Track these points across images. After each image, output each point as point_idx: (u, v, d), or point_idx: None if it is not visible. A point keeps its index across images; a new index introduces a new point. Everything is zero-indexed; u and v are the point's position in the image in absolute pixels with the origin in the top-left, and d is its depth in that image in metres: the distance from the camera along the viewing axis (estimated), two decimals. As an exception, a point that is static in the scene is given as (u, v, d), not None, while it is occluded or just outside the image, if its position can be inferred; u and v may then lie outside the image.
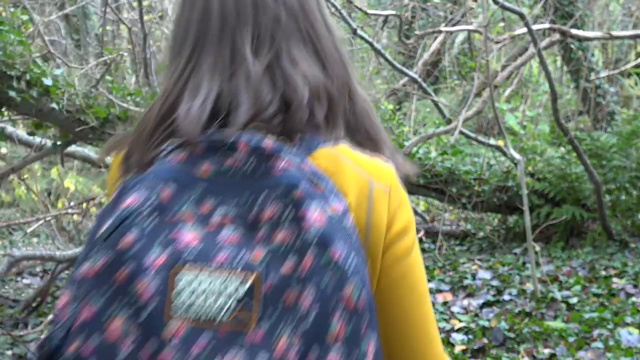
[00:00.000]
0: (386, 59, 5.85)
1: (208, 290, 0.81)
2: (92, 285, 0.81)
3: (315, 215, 0.83)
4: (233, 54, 0.93)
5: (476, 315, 4.39)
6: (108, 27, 10.21)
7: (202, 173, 0.86)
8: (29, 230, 6.18)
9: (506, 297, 4.56)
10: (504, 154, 5.56)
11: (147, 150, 0.90)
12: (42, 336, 0.88)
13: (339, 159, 0.92)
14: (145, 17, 6.76)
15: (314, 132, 0.92)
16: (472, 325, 4.13)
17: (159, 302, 0.80)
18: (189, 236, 0.83)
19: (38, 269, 5.61)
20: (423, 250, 5.76)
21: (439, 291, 4.79)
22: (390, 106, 5.81)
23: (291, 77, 0.93)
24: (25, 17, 4.94)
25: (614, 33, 6.23)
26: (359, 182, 0.92)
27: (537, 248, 4.65)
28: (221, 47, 0.94)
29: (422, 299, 0.96)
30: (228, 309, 0.81)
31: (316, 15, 1.00)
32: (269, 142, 0.87)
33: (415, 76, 5.95)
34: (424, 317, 0.96)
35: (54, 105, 4.18)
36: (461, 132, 5.43)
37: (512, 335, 3.96)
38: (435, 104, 6.22)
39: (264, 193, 0.85)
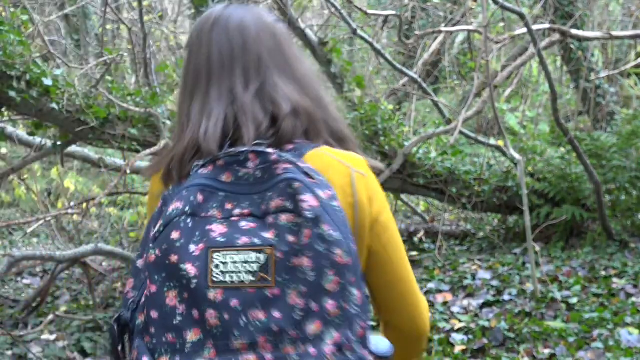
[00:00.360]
0: (386, 59, 5.86)
1: (237, 263, 1.13)
2: (152, 269, 1.15)
3: (311, 200, 1.14)
4: (230, 88, 1.28)
5: (476, 315, 4.38)
6: (108, 27, 10.20)
7: (224, 180, 1.19)
8: (29, 231, 6.17)
9: (506, 297, 4.56)
10: (504, 154, 5.56)
11: (183, 168, 1.24)
12: (114, 315, 1.23)
13: (325, 157, 1.25)
14: (145, 18, 6.76)
15: (303, 140, 1.26)
16: (472, 326, 4.13)
17: (202, 276, 1.12)
18: (219, 228, 1.15)
19: (38, 269, 5.61)
20: (423, 251, 5.75)
21: (439, 291, 4.79)
22: (390, 106, 5.81)
23: (275, 98, 1.27)
24: (25, 17, 4.94)
25: (614, 33, 6.23)
26: (342, 170, 1.25)
27: (537, 248, 4.65)
28: (221, 83, 1.29)
29: (404, 257, 1.32)
30: (252, 273, 1.13)
31: (289, 51, 1.34)
32: (271, 152, 1.18)
33: (415, 76, 5.95)
34: (407, 269, 1.32)
35: (54, 105, 4.18)
36: (461, 132, 5.43)
37: (512, 335, 3.96)
38: (435, 104, 6.22)
39: (271, 190, 1.16)
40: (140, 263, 1.19)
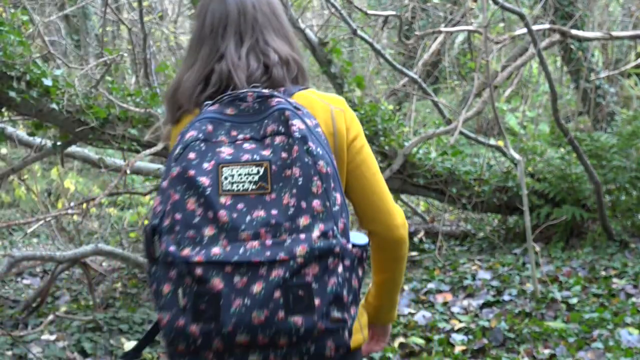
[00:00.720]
0: (386, 60, 5.86)
1: (242, 175, 1.46)
2: (175, 183, 1.47)
3: (298, 124, 1.48)
4: (217, 47, 1.65)
5: (476, 315, 4.38)
6: (108, 28, 10.20)
7: (229, 113, 1.54)
8: (29, 231, 6.17)
9: (506, 297, 4.56)
10: (504, 154, 5.56)
11: (196, 106, 1.61)
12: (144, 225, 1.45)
13: (309, 97, 1.62)
14: (145, 18, 6.76)
15: (292, 84, 1.64)
16: (472, 326, 4.13)
17: (213, 187, 1.45)
18: (227, 149, 1.49)
19: (38, 269, 5.61)
20: (423, 251, 5.75)
21: (439, 291, 4.79)
22: (390, 106, 5.81)
23: (266, 51, 1.64)
24: (25, 18, 4.94)
25: (614, 33, 6.23)
26: (324, 107, 1.62)
27: (537, 248, 4.65)
28: (211, 44, 1.66)
29: (377, 172, 1.66)
30: (254, 182, 1.45)
31: (282, 16, 1.72)
32: (265, 91, 1.53)
33: (415, 76, 5.95)
34: (380, 184, 1.65)
35: (54, 105, 4.18)
36: (461, 133, 5.43)
37: (512, 335, 3.96)
38: (435, 104, 6.22)
39: (267, 118, 1.51)
40: (163, 184, 1.50)
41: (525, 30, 5.17)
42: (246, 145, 1.50)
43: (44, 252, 4.51)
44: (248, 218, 1.44)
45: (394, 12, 5.99)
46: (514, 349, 3.87)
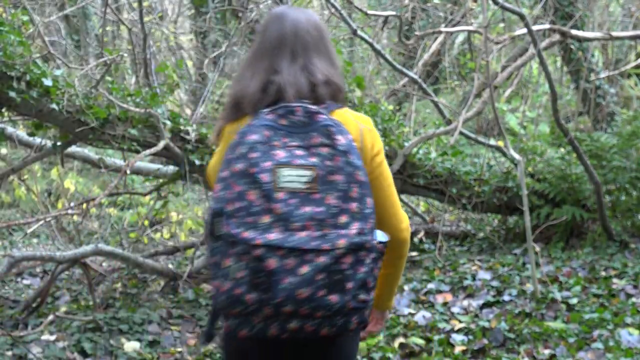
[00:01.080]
0: (386, 60, 5.85)
1: (294, 175, 1.78)
2: (238, 176, 1.78)
3: (341, 139, 1.82)
4: (274, 63, 1.95)
5: (476, 315, 4.38)
6: (108, 28, 10.20)
7: (282, 123, 1.84)
8: (29, 231, 6.17)
9: (506, 297, 4.55)
10: (504, 154, 5.55)
11: (254, 109, 1.89)
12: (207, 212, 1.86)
13: (344, 115, 1.95)
14: (145, 18, 6.76)
15: (331, 101, 1.93)
16: (472, 326, 4.13)
17: (271, 183, 1.77)
18: (281, 153, 1.80)
19: (38, 269, 5.60)
20: (423, 251, 5.75)
21: (439, 292, 4.79)
22: (390, 107, 5.81)
23: (314, 72, 1.93)
24: (25, 18, 4.94)
25: (614, 34, 6.23)
26: (355, 125, 1.95)
27: (537, 248, 4.65)
28: (273, 58, 1.95)
29: (391, 184, 2.00)
30: (303, 183, 1.78)
31: (327, 40, 2.02)
32: (312, 107, 1.85)
33: (415, 77, 5.95)
34: (393, 193, 2.00)
35: (54, 105, 4.18)
36: (461, 133, 5.42)
37: (512, 335, 3.95)
38: (435, 104, 6.22)
39: (314, 131, 1.83)
40: (224, 174, 1.82)
41: (525, 30, 5.17)
42: (296, 152, 1.82)
43: (44, 252, 4.51)
44: (298, 212, 1.78)
45: (394, 12, 5.99)
46: (514, 349, 3.87)
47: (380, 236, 1.88)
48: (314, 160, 1.81)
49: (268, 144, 1.82)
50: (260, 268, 1.75)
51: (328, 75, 1.95)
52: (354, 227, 1.79)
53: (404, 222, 2.03)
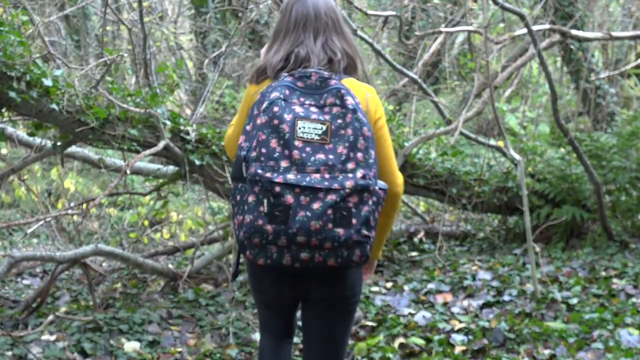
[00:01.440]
0: (386, 60, 5.85)
1: (310, 128, 2.13)
2: (262, 126, 2.13)
3: (350, 100, 2.17)
4: (301, 39, 2.33)
5: (476, 315, 4.38)
6: (108, 28, 10.20)
7: (299, 85, 2.21)
8: (29, 231, 6.14)
9: (506, 297, 4.55)
10: (504, 154, 5.55)
11: (276, 75, 2.28)
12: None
13: (353, 83, 2.31)
14: (145, 18, 6.75)
15: (344, 72, 2.32)
16: (472, 326, 4.13)
17: (291, 133, 2.11)
18: (299, 109, 2.15)
19: (38, 269, 5.60)
20: (423, 251, 5.75)
21: (439, 292, 4.79)
22: (390, 107, 5.81)
23: (333, 47, 2.32)
24: (25, 18, 4.93)
25: (614, 34, 6.23)
26: (362, 92, 2.30)
27: (537, 249, 4.65)
28: (296, 35, 2.33)
29: (390, 145, 2.37)
30: (318, 135, 2.12)
31: (341, 22, 2.40)
32: (326, 74, 2.21)
33: (415, 77, 5.94)
34: (391, 151, 2.36)
35: (54, 106, 4.18)
36: (461, 133, 5.42)
37: (512, 336, 3.95)
38: (436, 104, 6.22)
39: (326, 93, 2.18)
40: (249, 127, 2.20)
41: (525, 30, 5.17)
42: (312, 109, 2.18)
43: (44, 253, 4.51)
44: (312, 158, 2.13)
45: (394, 13, 5.99)
46: (514, 350, 3.87)
47: (381, 184, 2.22)
48: (327, 117, 2.17)
49: (288, 100, 2.18)
50: (279, 203, 2.09)
51: (345, 50, 2.35)
52: (360, 173, 2.13)
53: (400, 179, 2.39)
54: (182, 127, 4.60)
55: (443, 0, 10.56)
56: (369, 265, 2.59)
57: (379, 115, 2.34)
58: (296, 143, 2.13)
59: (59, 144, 4.50)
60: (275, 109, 2.15)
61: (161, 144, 4.36)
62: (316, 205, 2.10)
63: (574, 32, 5.97)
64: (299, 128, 2.14)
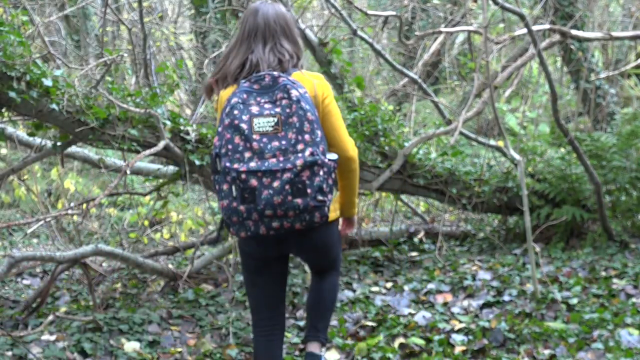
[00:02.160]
0: (386, 60, 5.85)
1: (264, 122, 2.64)
2: (227, 127, 2.64)
3: (295, 92, 2.67)
4: (252, 46, 2.82)
5: (476, 316, 4.38)
6: (108, 28, 10.19)
7: (256, 88, 2.71)
8: (29, 231, 6.14)
9: (506, 297, 4.55)
10: (504, 154, 5.55)
11: (235, 80, 2.78)
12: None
13: (300, 75, 2.82)
14: (145, 18, 6.75)
15: (292, 68, 2.82)
16: (473, 326, 4.13)
17: (249, 129, 2.63)
18: (255, 109, 2.67)
19: (38, 269, 5.60)
20: (423, 251, 5.75)
21: (439, 292, 4.79)
22: (390, 107, 5.80)
23: (281, 51, 2.82)
24: (25, 18, 4.94)
25: (614, 34, 6.23)
26: (309, 81, 2.81)
27: (537, 249, 4.65)
28: (248, 43, 2.82)
29: (338, 118, 2.86)
30: (271, 127, 2.64)
31: (291, 25, 2.90)
32: (276, 74, 2.71)
33: (415, 77, 5.94)
34: (339, 123, 2.86)
35: (54, 106, 4.18)
36: (461, 133, 5.42)
37: (512, 336, 3.95)
38: (436, 104, 6.22)
39: (277, 90, 2.69)
40: (219, 129, 2.67)
41: (525, 30, 5.17)
42: (266, 106, 2.67)
43: (44, 253, 4.51)
44: (269, 146, 2.62)
45: (394, 13, 5.99)
46: (514, 350, 3.87)
47: (331, 156, 2.70)
48: (278, 110, 2.65)
49: (246, 103, 2.67)
50: (246, 187, 2.60)
51: (291, 51, 2.83)
52: (308, 151, 2.61)
53: (350, 144, 2.87)
54: (182, 127, 4.60)
55: (443, 0, 10.56)
56: (348, 222, 3.09)
57: (325, 96, 2.82)
58: (254, 136, 2.62)
59: (59, 144, 4.50)
60: (236, 112, 2.65)
61: (161, 144, 4.35)
62: (276, 184, 2.59)
63: (574, 32, 5.97)
64: (255, 124, 2.63)
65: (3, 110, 4.23)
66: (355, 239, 5.68)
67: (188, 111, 11.31)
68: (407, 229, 6.01)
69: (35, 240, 6.90)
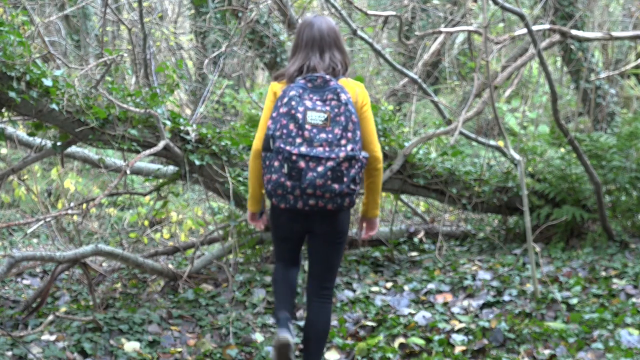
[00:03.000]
0: (386, 60, 5.85)
1: (315, 116, 3.18)
2: (284, 115, 3.19)
3: (344, 96, 3.22)
4: (310, 54, 3.34)
5: (476, 316, 4.38)
6: (108, 28, 10.19)
7: (309, 86, 3.24)
8: (29, 231, 6.16)
9: (506, 297, 4.55)
10: (504, 154, 5.55)
11: (293, 79, 3.29)
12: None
13: (346, 81, 3.34)
14: (145, 18, 6.75)
15: (341, 74, 3.35)
16: (473, 326, 4.13)
17: (303, 119, 3.17)
18: (309, 103, 3.20)
19: (38, 269, 5.60)
20: (423, 251, 5.75)
21: (439, 292, 4.79)
22: (390, 107, 5.80)
23: (333, 60, 3.34)
24: (25, 18, 4.94)
25: (614, 34, 6.22)
26: (353, 88, 3.33)
27: (537, 249, 4.65)
28: (307, 52, 3.34)
29: (372, 124, 3.36)
30: (321, 121, 3.18)
31: (340, 38, 3.42)
32: (327, 77, 3.25)
33: (415, 77, 5.94)
34: (372, 129, 3.35)
35: (54, 106, 4.18)
36: (461, 133, 5.42)
37: (512, 336, 3.95)
38: (436, 104, 6.22)
39: (327, 91, 3.22)
40: (274, 114, 3.18)
41: (525, 30, 5.17)
42: (317, 102, 3.17)
43: (44, 253, 4.50)
44: (318, 136, 3.13)
45: (394, 13, 5.99)
46: (514, 350, 3.87)
47: (364, 153, 3.20)
48: (327, 108, 3.16)
49: (301, 97, 3.17)
50: (295, 167, 3.11)
51: (342, 61, 3.34)
52: (349, 147, 3.13)
53: (377, 147, 3.33)
54: (182, 127, 4.60)
55: (443, 0, 10.56)
56: (371, 223, 3.50)
57: (364, 103, 3.31)
58: (307, 126, 3.13)
59: (59, 144, 4.50)
60: (293, 103, 3.15)
61: (161, 144, 4.35)
62: (320, 169, 3.11)
63: (574, 32, 5.97)
64: (309, 116, 3.14)
65: (3, 110, 4.23)
66: (355, 239, 5.68)
67: (188, 111, 11.32)
68: (407, 229, 6.02)
69: (35, 240, 6.90)
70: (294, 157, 3.10)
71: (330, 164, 3.10)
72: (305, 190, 3.12)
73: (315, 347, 3.39)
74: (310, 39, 3.30)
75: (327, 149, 3.11)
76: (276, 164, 3.13)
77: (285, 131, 3.12)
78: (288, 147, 3.10)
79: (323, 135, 3.12)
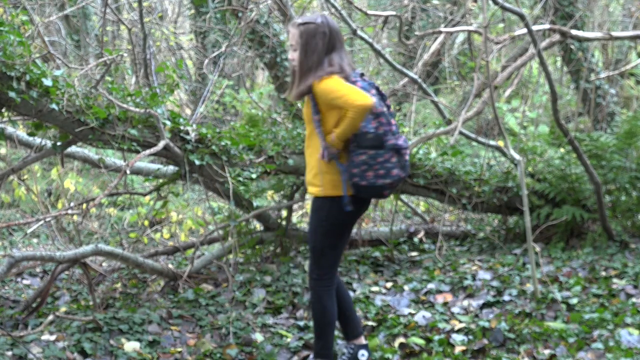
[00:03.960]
0: (386, 60, 5.85)
1: (378, 104, 3.47)
2: (383, 113, 3.47)
3: (380, 89, 3.55)
4: (342, 49, 3.56)
5: (476, 315, 4.38)
6: (108, 28, 10.20)
7: (362, 84, 3.50)
8: (29, 231, 6.16)
9: (506, 297, 4.55)
10: (504, 154, 5.55)
11: (348, 78, 3.48)
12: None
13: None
14: (145, 18, 6.76)
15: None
16: (473, 326, 4.13)
17: (380, 104, 3.50)
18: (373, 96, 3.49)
19: (38, 269, 5.60)
20: (423, 251, 5.75)
21: (439, 292, 4.79)
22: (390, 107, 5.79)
23: (349, 59, 3.63)
24: (25, 18, 4.94)
25: (614, 34, 6.22)
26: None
27: (537, 249, 4.65)
28: (341, 48, 3.55)
29: None
30: (385, 107, 3.51)
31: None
32: (366, 77, 3.60)
33: (415, 77, 5.94)
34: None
35: (53, 105, 4.18)
36: (461, 133, 5.42)
37: (512, 335, 3.96)
38: (435, 104, 6.22)
39: (371, 86, 3.52)
40: (378, 110, 3.44)
41: (525, 30, 5.17)
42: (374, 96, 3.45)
43: (44, 253, 4.51)
44: (395, 128, 3.47)
45: (394, 13, 5.98)
46: (514, 350, 3.87)
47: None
48: (382, 102, 3.47)
49: (368, 90, 3.43)
50: (403, 159, 3.45)
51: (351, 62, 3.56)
52: (403, 136, 3.50)
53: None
54: (182, 127, 4.60)
55: (443, 0, 10.57)
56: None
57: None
58: (392, 120, 3.46)
59: (59, 144, 4.50)
60: (371, 92, 3.42)
61: (161, 144, 4.35)
62: (407, 157, 3.47)
63: (574, 32, 5.97)
64: (376, 104, 3.40)
65: (3, 110, 4.23)
66: (355, 239, 5.68)
67: (188, 111, 11.32)
68: (407, 229, 6.01)
69: (35, 240, 6.90)
70: (402, 150, 3.43)
71: (407, 152, 3.50)
72: (405, 178, 3.55)
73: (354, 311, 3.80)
74: (337, 37, 3.46)
75: (403, 138, 3.49)
76: (393, 159, 3.40)
77: (388, 129, 3.42)
78: (399, 142, 3.42)
79: (395, 127, 3.47)
